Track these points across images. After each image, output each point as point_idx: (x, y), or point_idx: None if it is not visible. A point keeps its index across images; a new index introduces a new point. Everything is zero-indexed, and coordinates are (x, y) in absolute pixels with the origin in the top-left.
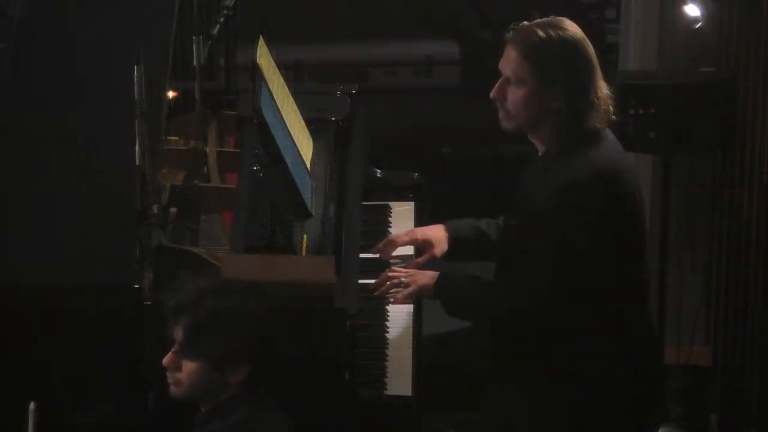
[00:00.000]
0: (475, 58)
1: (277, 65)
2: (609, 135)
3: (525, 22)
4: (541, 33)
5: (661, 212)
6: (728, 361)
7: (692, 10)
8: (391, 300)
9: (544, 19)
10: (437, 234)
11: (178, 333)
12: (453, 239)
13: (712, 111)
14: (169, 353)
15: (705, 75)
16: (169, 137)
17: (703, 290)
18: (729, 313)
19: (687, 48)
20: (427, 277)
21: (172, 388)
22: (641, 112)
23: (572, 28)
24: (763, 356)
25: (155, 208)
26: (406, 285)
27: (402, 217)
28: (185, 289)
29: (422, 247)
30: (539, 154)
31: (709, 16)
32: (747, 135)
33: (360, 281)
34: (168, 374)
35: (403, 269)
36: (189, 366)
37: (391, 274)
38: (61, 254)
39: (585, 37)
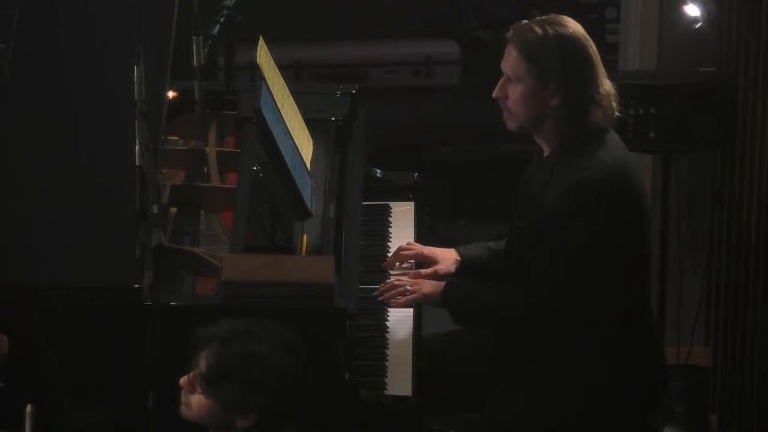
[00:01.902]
0: (475, 58)
1: (277, 65)
2: (613, 134)
3: (524, 21)
4: (538, 30)
5: (661, 212)
6: (728, 361)
7: (692, 10)
8: (392, 303)
9: (544, 16)
10: (445, 254)
11: (201, 363)
12: (464, 261)
13: (712, 111)
14: (187, 375)
15: (705, 75)
16: (169, 137)
17: (703, 290)
18: (729, 313)
19: (687, 48)
20: (433, 285)
21: (183, 408)
22: (641, 112)
23: (571, 24)
24: (763, 356)
25: (155, 208)
26: (412, 292)
27: (402, 217)
28: (219, 323)
29: (427, 262)
30: (545, 155)
31: (709, 16)
32: (747, 135)
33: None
34: (182, 394)
35: (408, 279)
36: (201, 399)
37: (396, 282)
38: (61, 254)
39: (585, 34)
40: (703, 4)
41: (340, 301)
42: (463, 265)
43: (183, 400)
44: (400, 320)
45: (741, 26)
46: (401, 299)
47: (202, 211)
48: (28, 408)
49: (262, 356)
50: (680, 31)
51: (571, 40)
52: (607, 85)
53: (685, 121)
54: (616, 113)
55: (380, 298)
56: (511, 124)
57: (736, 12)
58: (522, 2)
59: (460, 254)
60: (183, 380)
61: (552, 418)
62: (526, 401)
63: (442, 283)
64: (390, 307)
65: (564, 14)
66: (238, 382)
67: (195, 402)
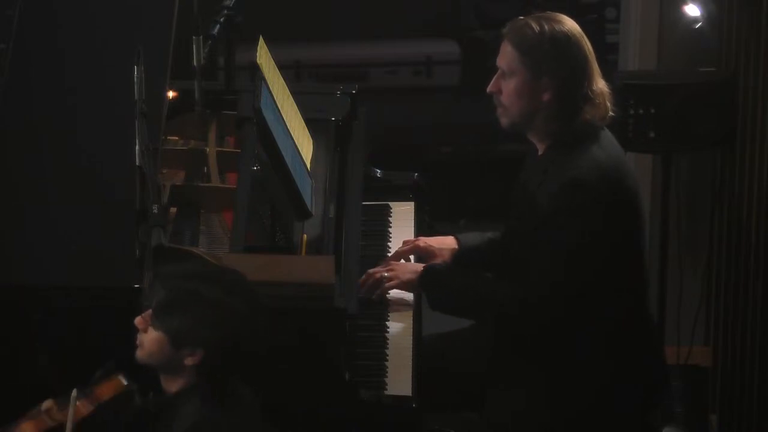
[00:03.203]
0: (475, 58)
1: (277, 65)
2: (607, 132)
3: (521, 17)
4: (534, 25)
5: (661, 212)
6: (728, 361)
7: (692, 10)
8: (373, 297)
9: (540, 13)
10: (442, 243)
11: (154, 300)
12: (462, 249)
13: (712, 111)
14: (142, 315)
15: (705, 75)
16: (169, 137)
17: (703, 290)
18: (729, 313)
19: (687, 48)
20: (410, 270)
21: (137, 350)
22: (641, 112)
23: (567, 21)
24: (763, 356)
25: (155, 208)
26: (389, 279)
27: (402, 217)
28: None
29: (424, 255)
30: (539, 153)
31: (709, 16)
32: (747, 135)
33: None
34: (137, 335)
35: (382, 266)
36: (152, 333)
37: (371, 271)
38: (61, 254)
39: (581, 32)
40: (703, 4)
41: (340, 301)
42: (461, 253)
43: (138, 341)
44: (400, 320)
45: (741, 26)
46: (380, 290)
47: (202, 211)
48: (74, 392)
49: (211, 293)
50: (680, 31)
51: (567, 37)
52: (601, 84)
53: (685, 121)
54: (611, 113)
55: (361, 293)
56: (505, 121)
57: (736, 12)
58: (522, 2)
59: (458, 241)
60: (138, 319)
61: (552, 418)
62: (526, 401)
63: (421, 266)
64: (371, 299)
65: (564, 14)
66: (187, 313)
67: (147, 339)
